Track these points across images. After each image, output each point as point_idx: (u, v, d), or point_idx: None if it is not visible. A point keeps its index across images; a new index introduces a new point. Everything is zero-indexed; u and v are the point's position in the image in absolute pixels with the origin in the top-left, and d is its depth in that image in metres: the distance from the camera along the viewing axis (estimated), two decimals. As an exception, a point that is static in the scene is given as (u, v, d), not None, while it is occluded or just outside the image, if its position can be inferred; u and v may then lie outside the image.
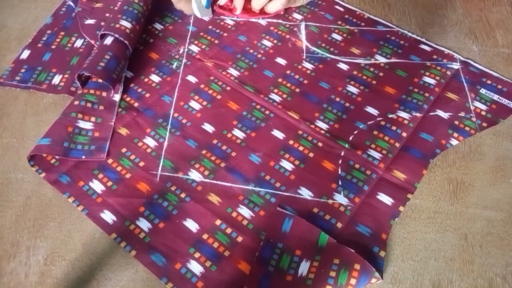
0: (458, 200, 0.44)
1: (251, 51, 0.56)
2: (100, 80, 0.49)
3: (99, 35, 0.52)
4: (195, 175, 0.45)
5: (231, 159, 0.46)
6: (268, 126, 0.49)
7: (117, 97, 0.50)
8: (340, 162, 0.46)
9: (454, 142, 0.48)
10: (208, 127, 0.49)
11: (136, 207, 0.43)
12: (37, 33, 0.57)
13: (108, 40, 0.50)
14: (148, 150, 0.47)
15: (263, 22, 0.59)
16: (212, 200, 0.44)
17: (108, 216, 0.43)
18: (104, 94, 0.49)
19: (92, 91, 0.49)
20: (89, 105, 0.48)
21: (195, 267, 0.40)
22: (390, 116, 0.50)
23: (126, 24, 0.51)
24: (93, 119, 0.48)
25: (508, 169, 0.46)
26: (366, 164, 0.46)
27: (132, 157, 0.46)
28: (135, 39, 0.53)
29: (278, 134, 0.48)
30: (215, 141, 0.48)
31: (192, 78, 0.53)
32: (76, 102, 0.48)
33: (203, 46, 0.56)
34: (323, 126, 0.49)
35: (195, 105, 0.51)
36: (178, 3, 0.57)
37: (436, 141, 0.48)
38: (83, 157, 0.45)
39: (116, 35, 0.50)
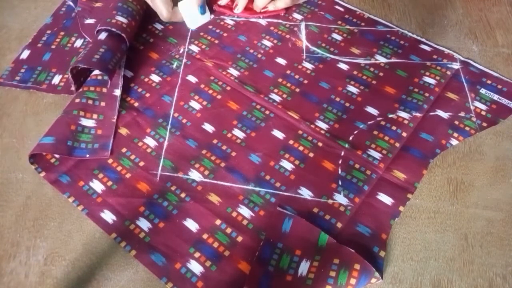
0: (458, 200, 0.44)
1: (251, 51, 0.56)
2: (96, 71, 0.49)
3: (96, 32, 0.52)
4: (195, 175, 0.45)
5: (231, 159, 0.46)
6: (268, 126, 0.49)
7: (117, 92, 0.50)
8: (340, 162, 0.46)
9: (454, 142, 0.48)
10: (208, 127, 0.49)
11: (136, 207, 0.43)
12: (37, 33, 0.57)
13: (102, 36, 0.50)
14: (148, 150, 0.47)
15: (263, 22, 0.59)
16: (212, 200, 0.44)
17: (108, 216, 0.43)
18: (104, 90, 0.49)
19: (92, 88, 0.49)
20: (90, 102, 0.48)
21: (195, 267, 0.40)
22: (390, 116, 0.50)
23: (122, 19, 0.51)
24: (95, 116, 0.48)
25: (508, 169, 0.46)
26: (366, 164, 0.46)
27: (132, 157, 0.46)
28: (132, 34, 0.53)
29: (278, 134, 0.48)
30: (215, 141, 0.48)
31: (192, 78, 0.53)
32: (77, 100, 0.48)
33: (203, 46, 0.56)
34: (323, 126, 0.49)
35: (195, 105, 0.51)
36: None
37: (436, 141, 0.48)
38: (87, 155, 0.45)
39: (113, 29, 0.50)
